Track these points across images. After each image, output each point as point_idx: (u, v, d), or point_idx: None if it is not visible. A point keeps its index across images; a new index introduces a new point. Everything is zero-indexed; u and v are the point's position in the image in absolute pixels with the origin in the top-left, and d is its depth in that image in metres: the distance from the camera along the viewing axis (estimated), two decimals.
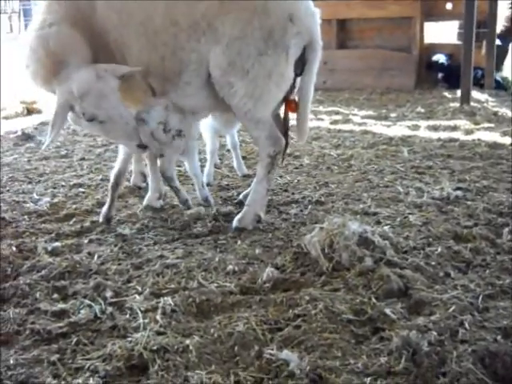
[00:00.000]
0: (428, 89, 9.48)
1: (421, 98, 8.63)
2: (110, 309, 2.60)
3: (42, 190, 4.44)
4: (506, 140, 5.71)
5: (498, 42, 9.46)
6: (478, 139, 5.77)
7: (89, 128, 3.63)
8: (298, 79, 3.59)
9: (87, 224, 3.68)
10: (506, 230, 3.37)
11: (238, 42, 3.38)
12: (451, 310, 2.51)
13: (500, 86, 9.33)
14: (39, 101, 7.96)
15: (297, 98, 3.66)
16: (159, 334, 2.39)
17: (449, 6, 9.67)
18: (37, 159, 5.40)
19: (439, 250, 3.15)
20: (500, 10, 9.46)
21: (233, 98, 3.47)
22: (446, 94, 9.00)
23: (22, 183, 4.63)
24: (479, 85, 9.13)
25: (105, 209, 3.72)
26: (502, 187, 4.24)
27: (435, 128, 6.44)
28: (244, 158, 5.11)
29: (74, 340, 2.37)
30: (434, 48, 10.05)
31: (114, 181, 3.68)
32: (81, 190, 4.43)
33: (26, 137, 6.23)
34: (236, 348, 2.29)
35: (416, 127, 6.55)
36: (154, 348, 2.26)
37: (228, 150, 5.15)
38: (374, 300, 2.61)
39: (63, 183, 4.60)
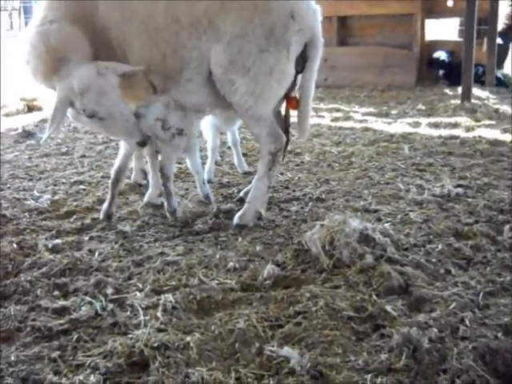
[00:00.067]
0: (429, 86, 9.49)
1: (422, 95, 8.64)
2: (110, 306, 2.60)
3: (43, 187, 4.43)
4: (507, 137, 5.72)
5: (498, 40, 9.45)
6: (479, 136, 5.77)
7: (89, 124, 3.63)
8: (299, 76, 3.59)
9: (88, 221, 3.69)
10: (507, 227, 3.37)
11: (239, 39, 3.38)
12: (452, 306, 2.51)
13: (501, 83, 9.33)
14: (40, 98, 7.96)
15: (298, 95, 3.66)
16: (160, 330, 2.39)
17: (450, 3, 9.67)
18: (37, 156, 5.41)
19: (440, 247, 3.15)
20: (501, 7, 9.45)
21: (234, 96, 3.47)
22: (447, 91, 9.01)
23: (23, 180, 4.63)
24: (480, 82, 9.14)
25: (105, 206, 3.72)
26: (502, 184, 4.24)
27: (436, 125, 6.44)
28: (245, 155, 5.12)
29: (75, 337, 2.37)
30: (435, 45, 10.06)
31: (114, 177, 3.67)
32: (81, 187, 4.43)
33: (27, 134, 6.24)
34: (237, 345, 2.29)
35: (417, 124, 6.55)
36: (155, 345, 2.26)
37: (229, 147, 5.15)
38: (374, 297, 2.61)
39: (64, 180, 4.60)
